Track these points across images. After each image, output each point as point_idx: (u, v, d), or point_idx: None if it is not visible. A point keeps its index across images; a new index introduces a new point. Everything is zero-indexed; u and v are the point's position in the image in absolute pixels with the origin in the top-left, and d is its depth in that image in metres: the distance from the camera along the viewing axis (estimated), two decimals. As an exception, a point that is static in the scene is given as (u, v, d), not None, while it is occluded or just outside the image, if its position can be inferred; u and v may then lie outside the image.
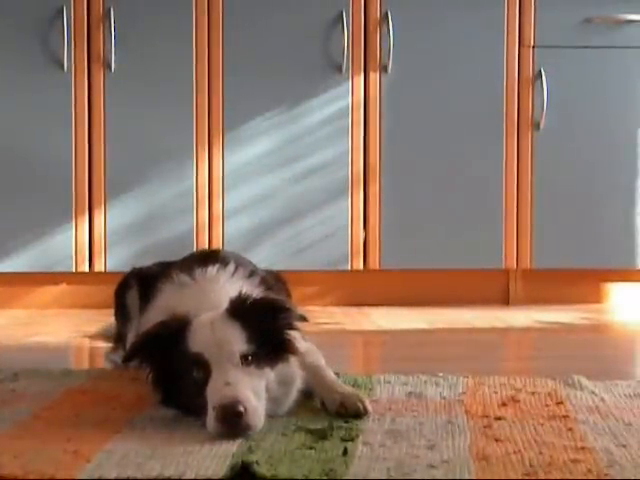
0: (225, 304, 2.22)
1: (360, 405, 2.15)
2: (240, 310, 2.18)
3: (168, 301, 2.44)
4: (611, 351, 3.33)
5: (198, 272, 2.50)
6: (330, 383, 2.26)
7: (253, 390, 2.06)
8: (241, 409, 2.00)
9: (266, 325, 2.17)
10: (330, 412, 2.17)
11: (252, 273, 2.58)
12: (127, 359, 2.25)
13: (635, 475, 1.74)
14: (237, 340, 2.12)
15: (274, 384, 2.14)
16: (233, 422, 1.99)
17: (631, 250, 4.30)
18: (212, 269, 2.50)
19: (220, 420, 1.99)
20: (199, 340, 2.13)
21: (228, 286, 2.43)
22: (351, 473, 1.75)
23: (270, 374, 2.13)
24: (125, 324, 2.83)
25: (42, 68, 4.08)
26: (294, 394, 2.21)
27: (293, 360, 2.20)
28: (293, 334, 2.20)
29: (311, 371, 2.31)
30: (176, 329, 2.16)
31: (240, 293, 2.23)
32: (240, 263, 2.59)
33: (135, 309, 2.77)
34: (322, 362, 2.38)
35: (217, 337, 2.12)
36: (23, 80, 4.09)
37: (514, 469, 1.77)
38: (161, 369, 2.17)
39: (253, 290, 2.39)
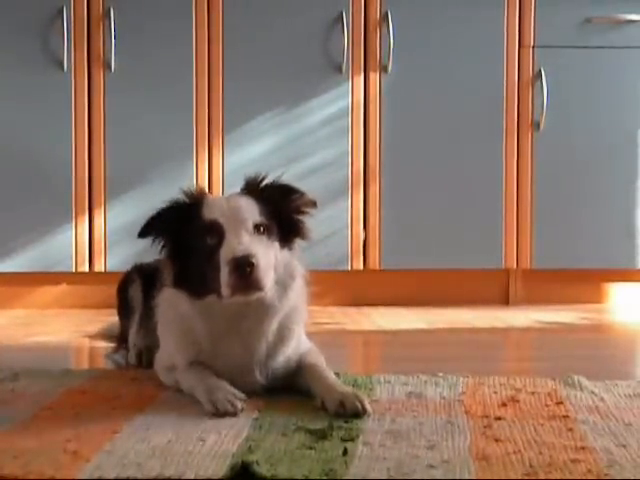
0: None
1: (359, 405, 2.15)
2: (254, 188, 2.29)
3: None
4: (611, 351, 3.32)
5: None
6: (330, 383, 2.27)
7: (264, 255, 2.15)
8: (253, 260, 2.09)
9: (279, 204, 2.28)
10: (330, 412, 2.17)
11: None
12: (143, 233, 2.32)
13: (635, 475, 1.74)
14: (251, 210, 2.22)
15: (280, 266, 2.23)
16: (245, 273, 2.08)
17: (631, 250, 4.30)
18: None
19: (233, 271, 2.09)
20: (214, 209, 2.22)
21: None
22: (351, 473, 1.74)
23: (279, 252, 2.23)
24: (127, 318, 2.85)
25: (42, 68, 4.08)
26: (295, 291, 2.30)
27: (298, 256, 2.30)
28: (304, 219, 2.32)
29: (311, 371, 2.31)
30: (191, 202, 2.26)
31: (255, 174, 2.32)
32: None
33: (138, 303, 2.80)
34: (323, 363, 2.39)
35: (232, 206, 2.22)
36: (23, 80, 4.09)
37: (514, 469, 1.76)
38: (175, 242, 2.26)
39: None
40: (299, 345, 2.40)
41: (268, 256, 2.18)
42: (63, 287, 4.22)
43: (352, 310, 4.13)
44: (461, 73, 4.23)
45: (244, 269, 2.09)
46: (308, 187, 4.12)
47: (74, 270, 4.14)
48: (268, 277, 2.15)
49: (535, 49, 4.24)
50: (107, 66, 4.10)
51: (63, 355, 3.20)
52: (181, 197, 2.29)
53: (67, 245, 4.12)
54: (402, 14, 4.18)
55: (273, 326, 2.31)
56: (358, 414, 2.14)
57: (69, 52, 4.08)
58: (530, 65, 4.25)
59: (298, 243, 2.35)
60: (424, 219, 4.25)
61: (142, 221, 2.33)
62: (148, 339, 2.71)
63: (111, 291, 2.95)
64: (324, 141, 4.19)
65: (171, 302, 2.38)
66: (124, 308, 2.89)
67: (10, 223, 4.11)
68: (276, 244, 2.24)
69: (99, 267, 4.14)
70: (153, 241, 2.30)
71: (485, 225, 4.26)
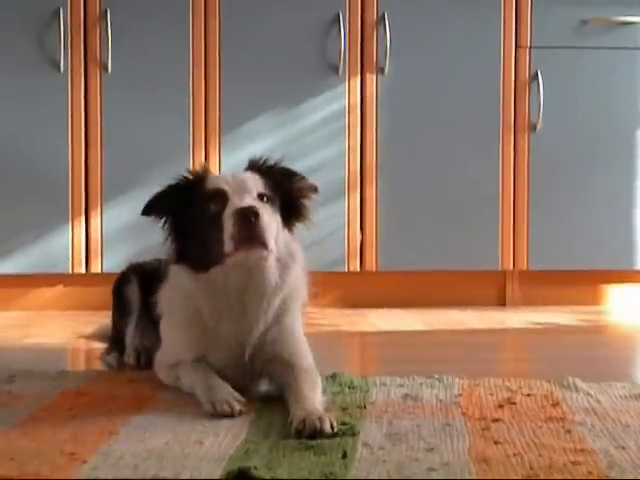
0: None
1: (318, 424, 2.00)
2: (258, 168, 2.36)
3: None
4: (607, 353, 3.32)
5: None
6: (303, 401, 2.15)
7: (267, 216, 2.19)
8: (257, 211, 2.14)
9: (281, 185, 2.33)
10: (292, 429, 2.02)
11: None
12: (147, 211, 2.33)
13: (636, 477, 1.73)
14: (255, 182, 2.28)
15: (281, 243, 2.26)
16: (249, 223, 2.12)
17: (628, 252, 4.30)
18: None
19: (237, 222, 2.13)
20: (219, 180, 2.29)
21: None
22: (351, 476, 1.74)
23: (281, 226, 2.27)
24: (125, 318, 2.84)
25: (38, 69, 4.07)
26: (295, 271, 2.32)
27: (298, 240, 2.34)
28: (307, 202, 2.37)
29: (295, 388, 2.23)
30: (195, 179, 2.31)
31: (259, 156, 2.39)
32: None
33: (135, 302, 2.80)
34: (314, 382, 2.30)
35: (236, 177, 2.29)
36: (19, 81, 4.08)
37: (515, 472, 1.76)
38: (179, 219, 2.28)
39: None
40: (293, 330, 2.39)
41: (271, 220, 2.22)
42: (60, 289, 4.22)
43: (349, 311, 4.13)
44: (458, 74, 4.23)
45: (248, 218, 2.13)
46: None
47: (71, 272, 4.13)
48: (271, 237, 2.19)
49: (532, 50, 4.24)
50: (104, 67, 4.09)
51: (60, 356, 3.19)
52: (185, 175, 2.33)
53: (64, 246, 4.11)
54: (399, 15, 4.18)
55: (274, 304, 2.32)
56: (315, 435, 1.99)
57: (65, 53, 4.07)
58: (526, 66, 4.24)
59: (298, 229, 2.38)
60: (421, 220, 4.25)
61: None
62: (146, 339, 2.71)
63: (108, 292, 2.95)
64: (321, 142, 4.18)
65: (175, 284, 2.39)
66: (120, 308, 2.87)
67: (6, 224, 4.10)
68: (278, 216, 2.28)
69: (96, 268, 4.13)
70: (156, 219, 2.32)
71: (482, 226, 4.26)
